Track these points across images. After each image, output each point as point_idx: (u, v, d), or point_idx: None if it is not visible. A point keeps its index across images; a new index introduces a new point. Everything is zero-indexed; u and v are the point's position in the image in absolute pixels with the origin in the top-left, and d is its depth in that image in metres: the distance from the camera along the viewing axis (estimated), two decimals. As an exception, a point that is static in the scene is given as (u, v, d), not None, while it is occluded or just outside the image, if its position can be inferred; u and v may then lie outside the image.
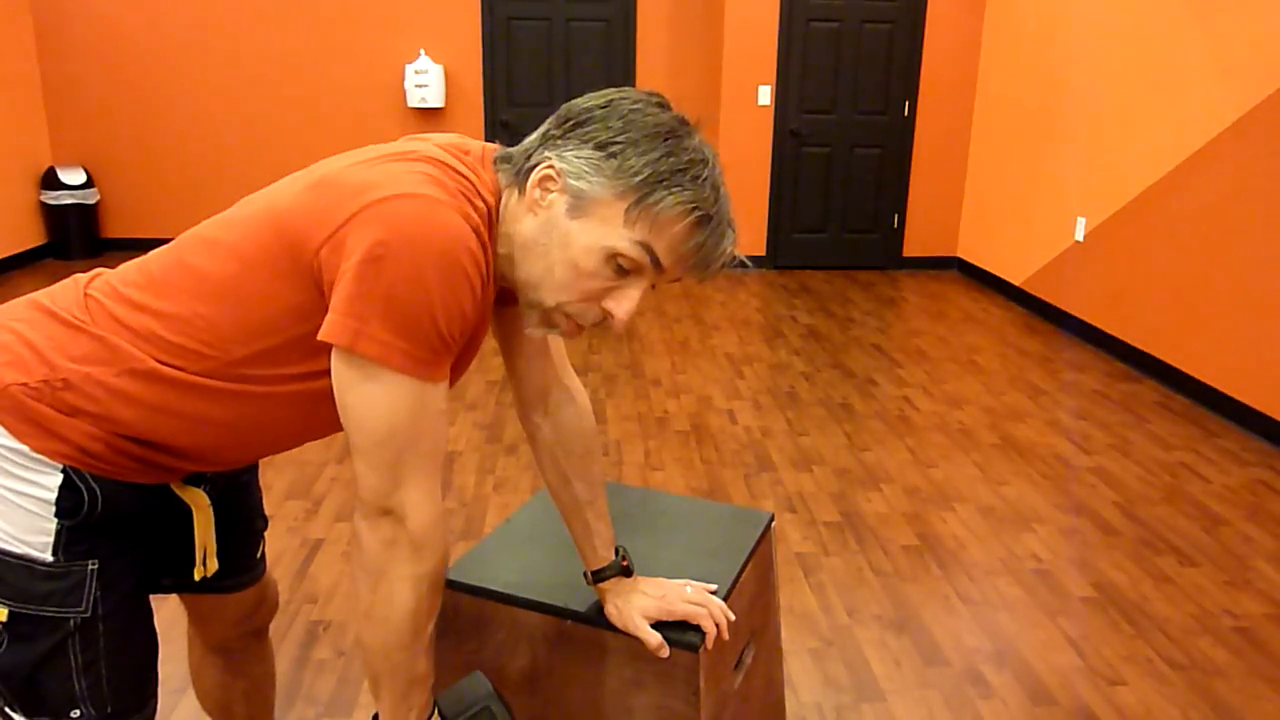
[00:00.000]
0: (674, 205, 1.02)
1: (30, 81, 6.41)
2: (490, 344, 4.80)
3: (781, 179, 6.68)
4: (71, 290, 1.12)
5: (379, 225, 0.96)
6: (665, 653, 1.27)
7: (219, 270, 1.05)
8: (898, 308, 5.88)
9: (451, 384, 1.21)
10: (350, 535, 1.03)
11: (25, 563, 1.08)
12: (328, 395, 1.04)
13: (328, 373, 1.02)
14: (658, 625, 1.28)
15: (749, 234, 6.68)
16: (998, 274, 6.25)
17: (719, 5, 6.49)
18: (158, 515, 1.23)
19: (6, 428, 1.05)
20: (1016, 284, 5.96)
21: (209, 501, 1.28)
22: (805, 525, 3.05)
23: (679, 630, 1.29)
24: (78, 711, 1.13)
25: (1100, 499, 3.28)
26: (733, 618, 1.32)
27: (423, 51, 6.58)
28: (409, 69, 6.48)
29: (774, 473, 3.43)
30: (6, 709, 1.12)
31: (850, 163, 6.72)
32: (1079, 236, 5.22)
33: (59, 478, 1.07)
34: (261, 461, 1.46)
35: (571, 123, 1.06)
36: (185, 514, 1.26)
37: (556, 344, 1.33)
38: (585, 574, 1.33)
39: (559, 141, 1.06)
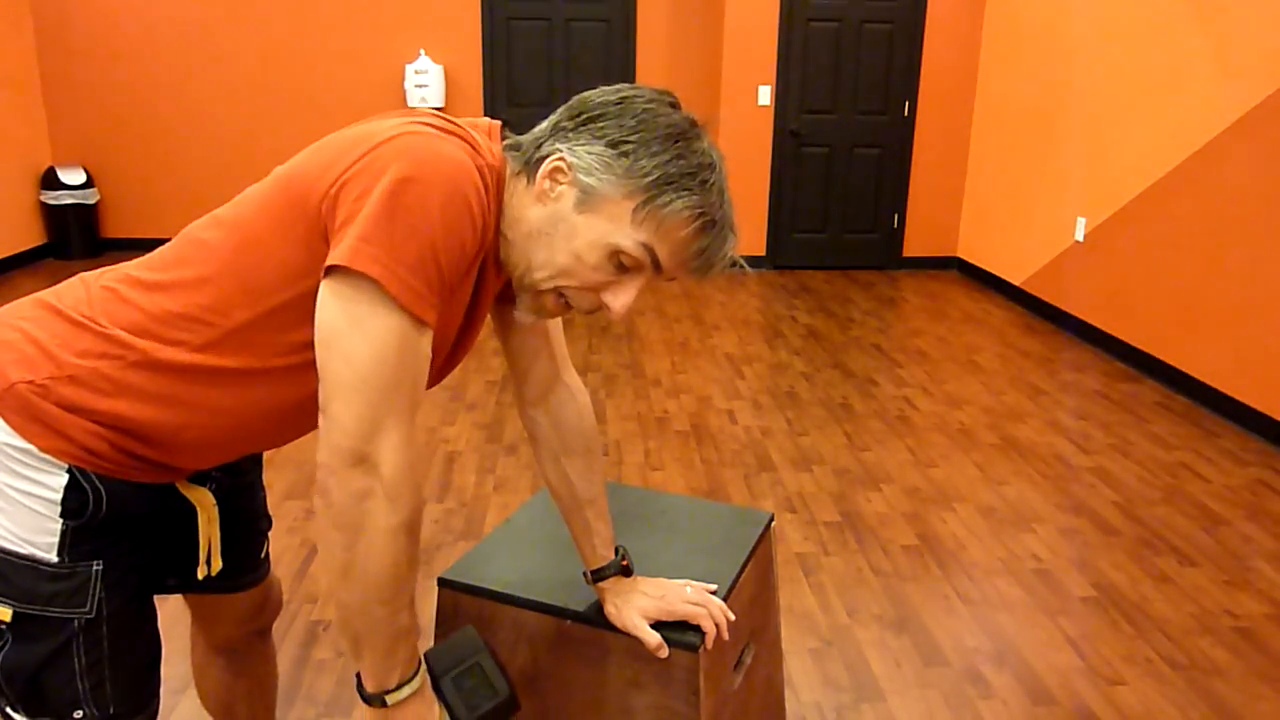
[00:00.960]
0: (681, 210, 1.04)
1: (30, 81, 6.41)
2: (490, 344, 4.80)
3: (781, 179, 6.68)
4: (78, 288, 1.12)
5: (383, 161, 0.97)
6: (664, 653, 1.27)
7: (226, 238, 1.06)
8: (898, 308, 5.88)
9: (444, 374, 1.21)
10: (316, 491, 0.98)
11: (30, 563, 1.08)
12: None
13: None
14: (657, 625, 1.29)
15: (749, 234, 6.68)
16: (998, 274, 6.25)
17: (719, 5, 6.49)
18: (163, 515, 1.23)
19: (13, 426, 1.05)
20: (1016, 284, 5.96)
21: (214, 501, 1.28)
22: (805, 525, 3.05)
23: (678, 630, 1.29)
24: (80, 712, 1.13)
25: (1100, 499, 3.28)
26: (732, 618, 1.32)
27: (423, 51, 6.58)
28: (409, 69, 6.49)
29: (774, 473, 3.43)
30: (9, 709, 1.12)
31: (850, 163, 6.72)
32: (1079, 236, 5.22)
33: (64, 478, 1.07)
34: (262, 461, 1.46)
35: (584, 116, 1.06)
36: (190, 514, 1.26)
37: (558, 343, 1.33)
38: (584, 573, 1.33)
39: (570, 134, 1.06)
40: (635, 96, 1.07)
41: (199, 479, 1.25)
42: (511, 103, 6.75)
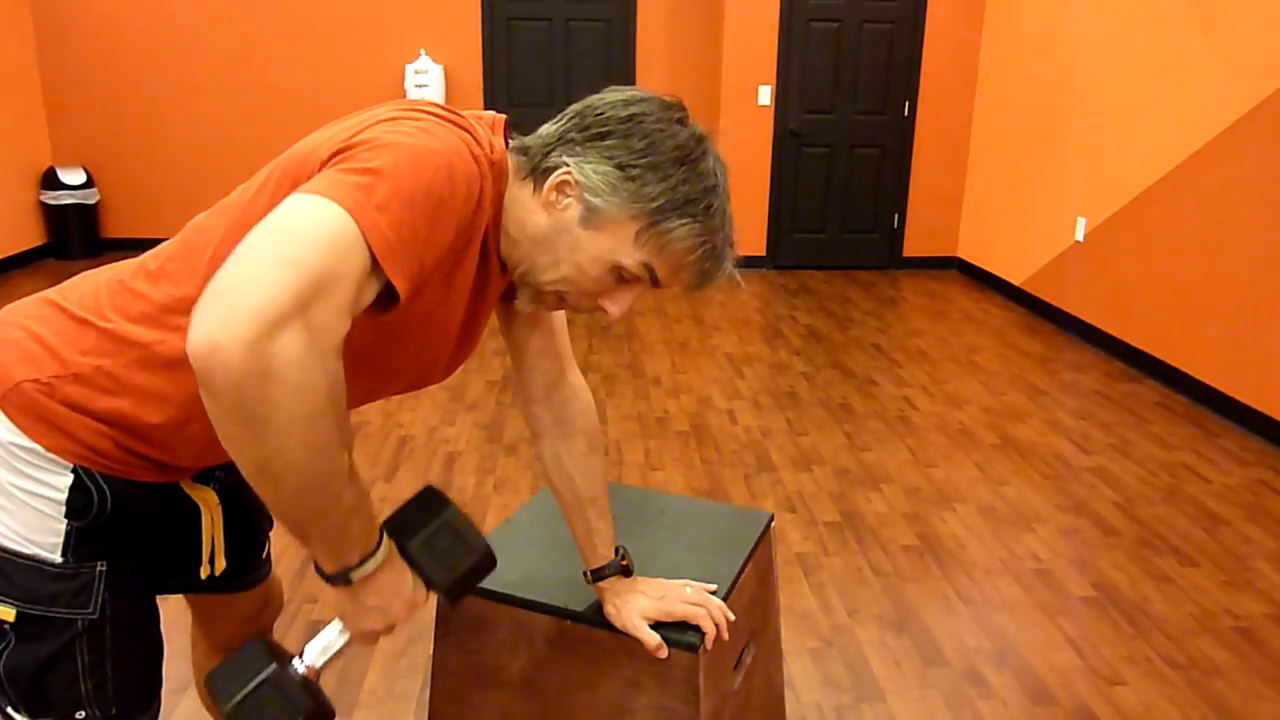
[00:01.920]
0: (684, 237, 1.06)
1: (30, 81, 6.41)
2: (490, 344, 4.80)
3: (781, 179, 6.68)
4: (84, 285, 1.12)
5: (378, 134, 0.96)
6: (664, 653, 1.27)
7: (227, 220, 1.05)
8: (898, 308, 5.88)
9: (450, 372, 1.20)
10: (200, 373, 0.80)
11: (35, 564, 1.08)
12: None
13: None
14: (657, 625, 1.29)
15: (749, 234, 6.68)
16: (998, 274, 6.25)
17: (719, 5, 6.49)
18: (166, 515, 1.23)
19: (19, 426, 1.05)
20: (1016, 284, 5.96)
21: (218, 500, 1.28)
22: (805, 525, 3.05)
23: (678, 630, 1.29)
24: (83, 713, 1.13)
25: (1100, 499, 3.28)
26: (732, 618, 1.33)
27: (423, 51, 6.58)
28: (409, 69, 6.49)
29: (774, 473, 3.43)
30: (10, 709, 1.12)
31: (850, 163, 6.72)
32: (1079, 236, 5.22)
33: (69, 478, 1.07)
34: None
35: (593, 132, 1.06)
36: (193, 514, 1.26)
37: (563, 341, 1.34)
38: (585, 572, 1.33)
39: (578, 148, 1.06)
40: (644, 115, 1.06)
41: (203, 478, 1.25)
42: (511, 103, 6.75)
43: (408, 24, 6.59)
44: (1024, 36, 5.92)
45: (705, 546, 1.52)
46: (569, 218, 1.06)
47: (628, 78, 6.69)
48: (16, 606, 1.08)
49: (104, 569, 1.11)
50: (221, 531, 1.29)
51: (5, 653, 1.09)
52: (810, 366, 4.66)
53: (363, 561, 0.97)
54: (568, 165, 1.05)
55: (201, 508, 1.25)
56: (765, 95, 6.50)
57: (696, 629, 1.29)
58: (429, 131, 0.98)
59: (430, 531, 1.03)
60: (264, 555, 1.47)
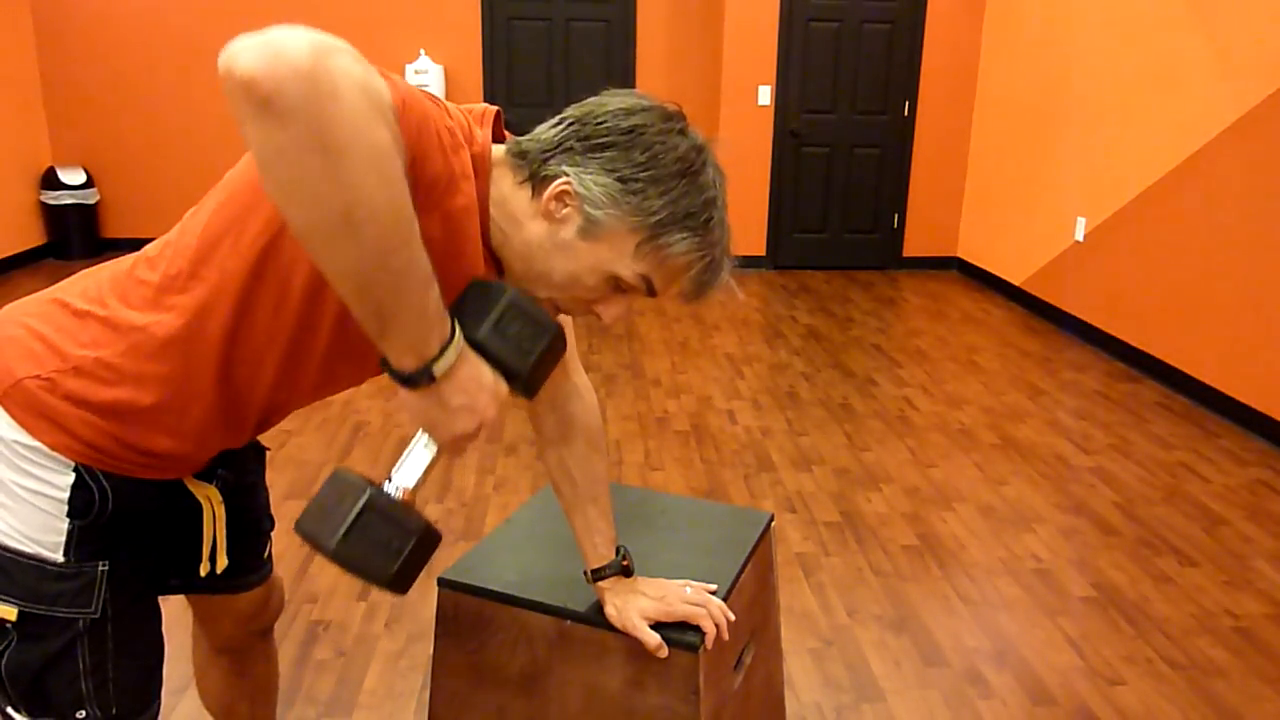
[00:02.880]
0: (684, 251, 1.06)
1: (30, 81, 6.41)
2: (490, 344, 4.80)
3: (781, 179, 6.68)
4: (86, 280, 1.12)
5: None
6: (664, 653, 1.27)
7: (219, 197, 1.06)
8: (898, 308, 5.88)
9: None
10: (252, 106, 0.75)
11: (36, 563, 1.08)
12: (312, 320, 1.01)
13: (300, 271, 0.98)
14: (657, 625, 1.29)
15: (749, 234, 6.69)
16: (998, 274, 6.25)
17: (719, 5, 6.49)
18: (168, 514, 1.23)
19: (21, 423, 1.05)
20: (1016, 284, 5.96)
21: (221, 498, 1.28)
22: (805, 525, 3.05)
23: (678, 630, 1.29)
24: (83, 713, 1.13)
25: (1100, 499, 3.28)
26: (732, 618, 1.33)
27: (423, 51, 6.58)
28: (409, 69, 6.48)
29: (774, 473, 3.43)
30: (10, 709, 1.12)
31: (850, 163, 6.72)
32: (1079, 236, 5.22)
33: (71, 477, 1.07)
34: (265, 461, 1.46)
35: (593, 143, 1.04)
36: (194, 512, 1.26)
37: (566, 342, 1.33)
38: (585, 572, 1.33)
39: (578, 158, 1.04)
40: (645, 127, 1.04)
41: (205, 476, 1.25)
42: (512, 103, 6.75)
43: (408, 24, 6.59)
44: (1024, 36, 5.92)
45: (705, 546, 1.52)
46: (568, 229, 1.05)
47: (628, 78, 6.70)
48: (18, 605, 1.08)
49: (106, 569, 1.11)
50: (224, 529, 1.29)
51: (6, 652, 1.09)
52: (810, 366, 4.66)
53: (443, 351, 0.91)
54: (568, 175, 1.03)
55: (204, 504, 1.25)
56: (765, 95, 6.50)
57: (696, 629, 1.29)
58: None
59: (497, 316, 0.96)
60: (265, 555, 1.48)
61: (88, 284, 1.11)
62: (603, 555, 1.32)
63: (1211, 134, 4.16)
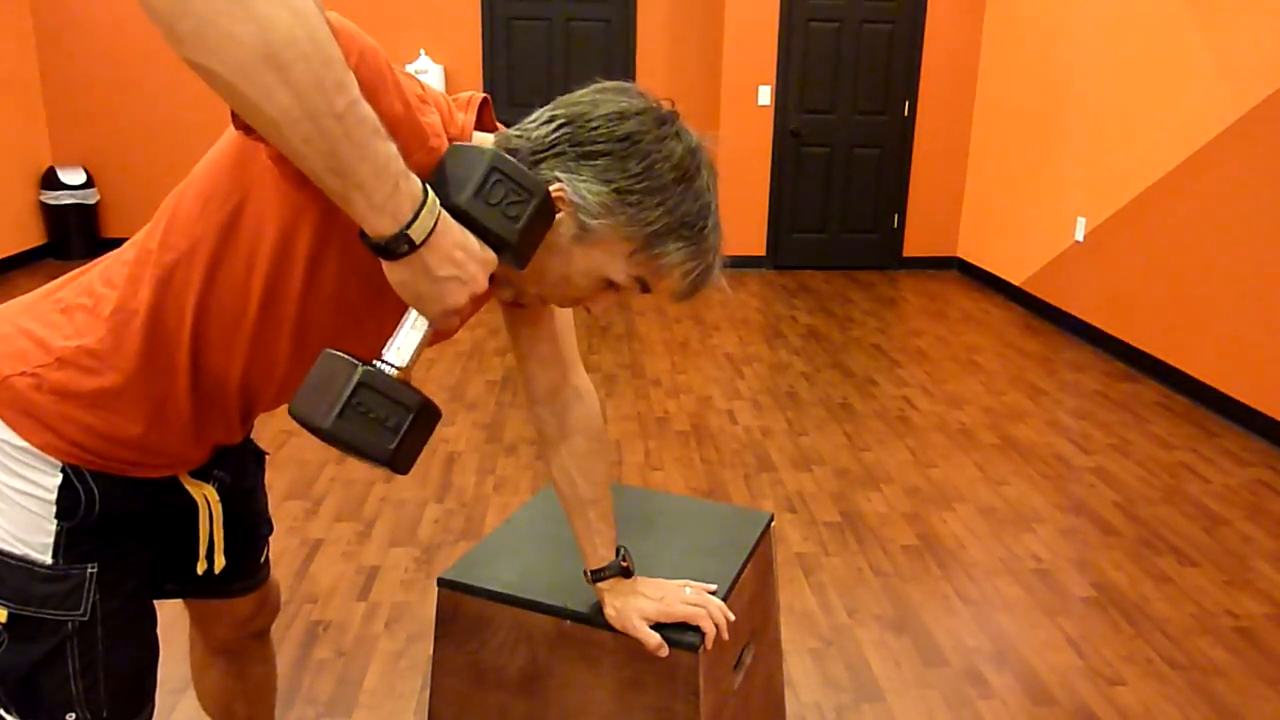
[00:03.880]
0: (678, 259, 1.05)
1: (30, 81, 6.41)
2: (490, 344, 4.80)
3: (781, 179, 6.68)
4: (78, 276, 1.12)
5: None
6: (665, 653, 1.27)
7: (193, 173, 1.05)
8: (897, 308, 5.88)
9: (442, 337, 1.14)
10: None
11: (25, 564, 1.08)
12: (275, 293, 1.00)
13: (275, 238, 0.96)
14: (657, 626, 1.29)
15: (749, 234, 6.68)
16: (998, 274, 6.25)
17: (719, 5, 6.49)
18: (161, 514, 1.23)
19: (7, 422, 1.05)
20: (1016, 284, 5.96)
21: (218, 497, 1.27)
22: (805, 525, 3.05)
23: (678, 630, 1.29)
24: (73, 715, 1.13)
25: (1100, 499, 3.28)
26: (732, 618, 1.32)
27: (423, 51, 6.58)
28: (409, 69, 6.47)
29: (774, 473, 3.43)
30: (1, 710, 1.12)
31: (850, 163, 6.72)
32: (1079, 236, 5.22)
33: (59, 478, 1.07)
34: (264, 464, 1.46)
35: (585, 149, 1.01)
36: (190, 513, 1.26)
37: (568, 344, 1.33)
38: (585, 572, 1.33)
39: (570, 164, 1.01)
40: (640, 134, 1.01)
41: (202, 476, 1.25)
42: (512, 102, 6.75)
43: (408, 24, 6.59)
44: (1024, 37, 5.92)
45: (705, 547, 1.52)
46: (561, 233, 1.03)
47: (627, 78, 6.65)
48: (8, 607, 1.08)
49: (94, 570, 1.11)
50: (222, 528, 1.29)
51: None
52: (810, 366, 4.66)
53: (417, 214, 0.86)
54: (560, 181, 1.01)
55: (199, 504, 1.25)
56: (765, 95, 6.50)
57: (697, 629, 1.29)
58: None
59: (479, 181, 0.91)
60: (263, 560, 1.48)
61: (80, 280, 1.11)
62: (603, 556, 1.32)
63: (1211, 134, 4.16)
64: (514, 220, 0.92)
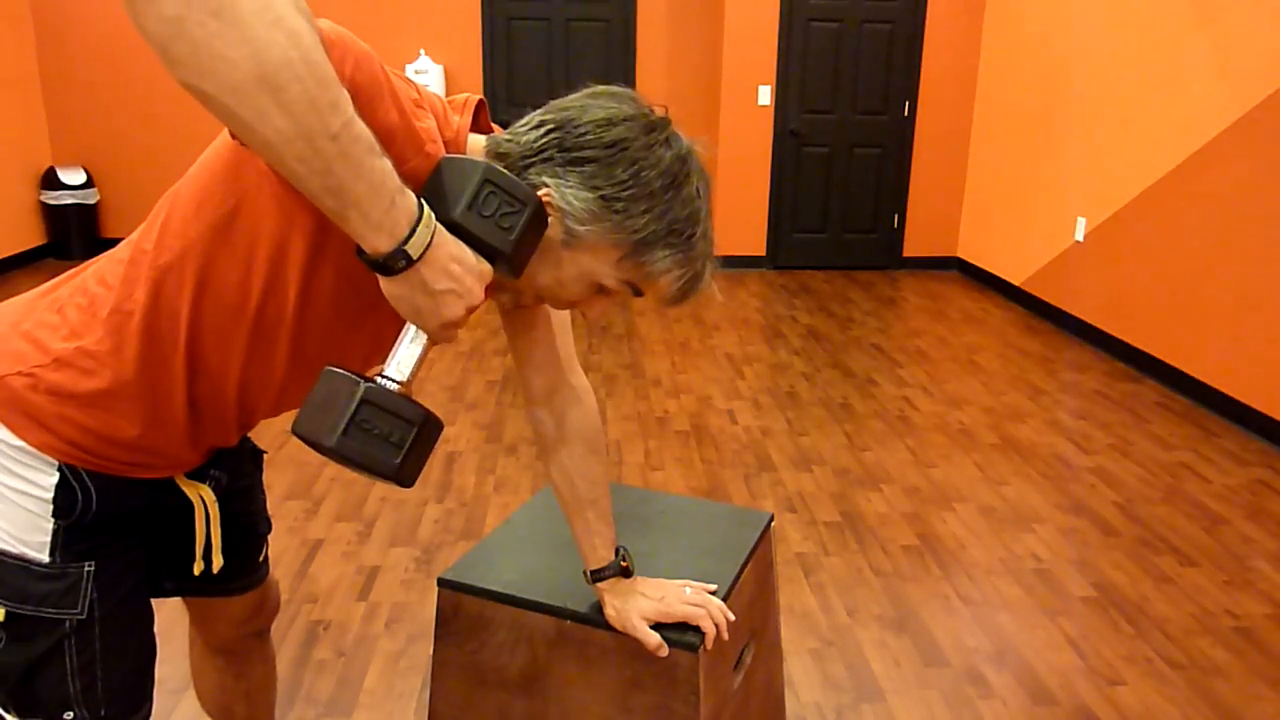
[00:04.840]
0: (667, 266, 1.05)
1: (30, 81, 6.41)
2: (490, 344, 4.80)
3: (781, 179, 6.68)
4: (74, 276, 1.12)
5: None
6: (665, 653, 1.27)
7: (189, 174, 1.05)
8: (898, 308, 5.88)
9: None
10: None
11: (22, 563, 1.08)
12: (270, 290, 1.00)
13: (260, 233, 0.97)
14: (656, 626, 1.29)
15: (749, 234, 6.67)
16: (998, 274, 6.25)
17: (719, 5, 6.49)
18: (158, 514, 1.23)
19: (5, 422, 1.05)
20: (1016, 284, 5.96)
21: (214, 497, 1.27)
22: (805, 525, 3.05)
23: (678, 630, 1.29)
24: (71, 714, 1.13)
25: (1100, 499, 3.28)
26: (732, 618, 1.33)
27: (423, 51, 6.58)
28: (409, 69, 6.48)
29: (774, 473, 3.43)
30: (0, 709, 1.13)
31: (850, 163, 6.72)
32: (1079, 236, 5.22)
33: (55, 477, 1.07)
34: (262, 464, 1.46)
35: (573, 155, 1.00)
36: (187, 513, 1.26)
37: (565, 344, 1.33)
38: (585, 573, 1.33)
39: (559, 169, 1.01)
40: (628, 141, 1.00)
41: (198, 476, 1.25)
42: (512, 103, 6.75)
43: (408, 24, 6.59)
44: (1024, 37, 5.92)
45: (705, 547, 1.52)
46: (550, 237, 1.02)
47: (628, 78, 6.69)
48: (5, 606, 1.08)
49: (92, 569, 1.11)
50: (218, 528, 1.29)
51: None
52: (810, 366, 4.66)
53: (414, 229, 0.88)
54: (548, 186, 1.01)
55: (195, 504, 1.25)
56: (765, 95, 6.50)
57: (697, 629, 1.29)
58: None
59: (472, 194, 0.92)
60: (261, 559, 1.48)
61: (76, 279, 1.11)
62: (602, 557, 1.32)
63: (1211, 134, 4.16)
64: (508, 231, 0.94)
